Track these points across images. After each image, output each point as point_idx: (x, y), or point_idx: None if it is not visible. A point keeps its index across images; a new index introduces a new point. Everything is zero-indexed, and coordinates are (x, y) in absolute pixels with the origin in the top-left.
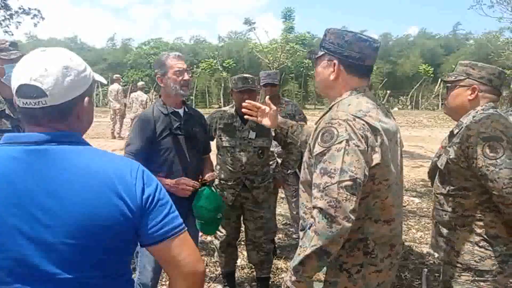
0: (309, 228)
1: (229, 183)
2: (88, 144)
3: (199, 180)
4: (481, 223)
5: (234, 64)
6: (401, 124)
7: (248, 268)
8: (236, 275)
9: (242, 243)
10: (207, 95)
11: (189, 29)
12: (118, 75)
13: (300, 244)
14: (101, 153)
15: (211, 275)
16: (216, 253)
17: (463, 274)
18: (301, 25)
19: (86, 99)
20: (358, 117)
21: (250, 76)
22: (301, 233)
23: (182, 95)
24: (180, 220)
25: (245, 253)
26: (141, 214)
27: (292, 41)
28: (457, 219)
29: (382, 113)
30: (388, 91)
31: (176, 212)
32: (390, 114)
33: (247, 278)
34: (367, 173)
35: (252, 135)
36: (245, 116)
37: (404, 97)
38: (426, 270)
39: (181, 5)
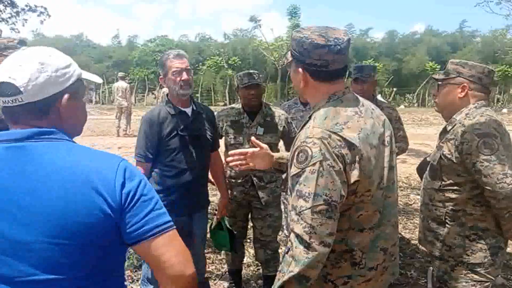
0: (286, 253)
1: (238, 181)
2: (70, 141)
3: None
4: (471, 217)
5: (240, 62)
6: (407, 122)
7: (255, 265)
8: (242, 272)
9: (249, 240)
10: (212, 92)
11: (193, 27)
12: (124, 73)
13: (279, 268)
14: (82, 148)
15: (217, 273)
16: (222, 251)
17: (455, 268)
18: (307, 22)
19: (66, 96)
20: (335, 133)
21: (255, 71)
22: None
23: (182, 94)
24: (167, 217)
25: (251, 250)
26: (121, 211)
27: None
28: (448, 214)
29: (366, 115)
30: (395, 89)
31: (163, 209)
32: (378, 109)
33: (253, 276)
34: (344, 193)
35: (260, 131)
36: (231, 164)
37: (411, 94)
38: (431, 268)
39: (185, 4)
